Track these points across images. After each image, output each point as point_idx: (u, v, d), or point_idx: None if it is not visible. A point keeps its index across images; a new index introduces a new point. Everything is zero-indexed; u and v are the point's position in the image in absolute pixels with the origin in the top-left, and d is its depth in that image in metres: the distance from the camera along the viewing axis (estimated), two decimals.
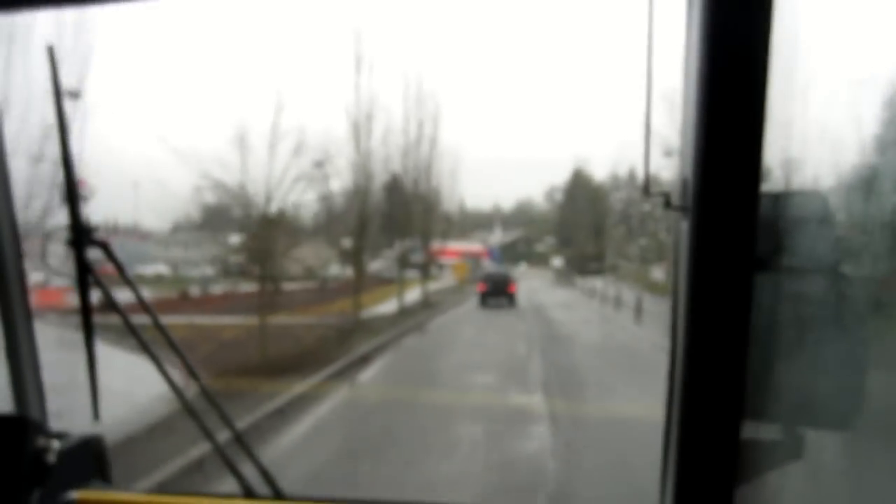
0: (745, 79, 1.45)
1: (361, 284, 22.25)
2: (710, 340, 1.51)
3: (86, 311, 1.92)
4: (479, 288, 33.59)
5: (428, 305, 29.89)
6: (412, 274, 33.06)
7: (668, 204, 1.60)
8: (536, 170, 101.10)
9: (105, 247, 1.91)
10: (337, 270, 47.85)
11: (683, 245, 1.55)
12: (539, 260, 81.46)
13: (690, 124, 1.52)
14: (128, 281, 1.95)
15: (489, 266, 66.47)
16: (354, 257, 23.19)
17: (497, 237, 75.51)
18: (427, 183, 30.96)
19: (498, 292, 32.05)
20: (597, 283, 42.85)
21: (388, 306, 26.61)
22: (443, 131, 45.79)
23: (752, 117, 1.45)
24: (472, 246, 64.27)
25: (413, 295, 30.12)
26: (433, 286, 44.50)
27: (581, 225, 73.37)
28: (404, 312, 25.89)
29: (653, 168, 1.68)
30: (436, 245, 35.68)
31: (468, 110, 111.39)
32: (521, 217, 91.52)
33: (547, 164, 71.42)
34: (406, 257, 29.78)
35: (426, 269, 33.13)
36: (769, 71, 1.43)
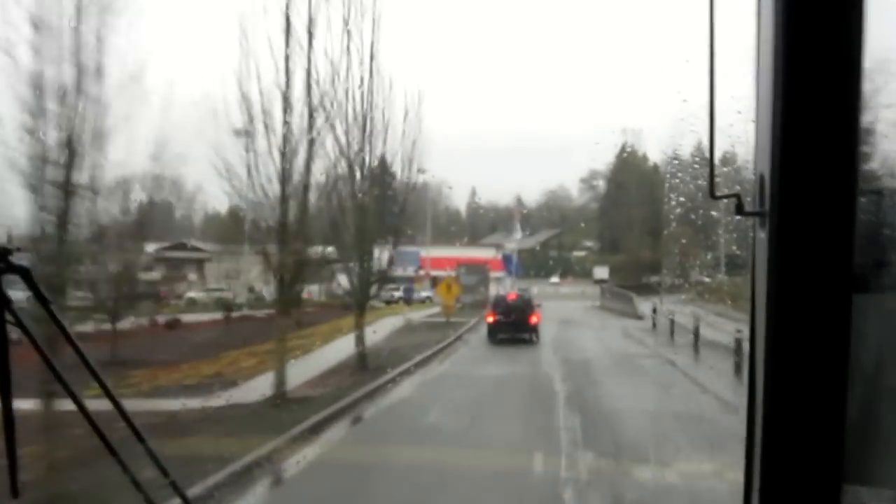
0: (834, 51, 1.35)
1: None
2: (799, 381, 1.41)
3: (1, 357, 1.80)
4: (487, 317, 28.24)
5: (354, 386, 18.34)
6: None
7: (740, 209, 1.50)
8: (570, 150, 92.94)
9: (26, 274, 1.82)
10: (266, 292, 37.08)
11: (761, 259, 1.46)
12: (577, 270, 69.72)
13: (766, 109, 1.44)
14: (53, 317, 1.90)
15: (505, 282, 53.05)
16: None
17: (516, 240, 62.18)
18: (363, 138, 22.23)
19: (513, 324, 26.59)
20: (674, 309, 28.96)
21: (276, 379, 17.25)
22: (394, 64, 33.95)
23: (844, 99, 1.35)
24: (478, 253, 50.69)
25: (368, 337, 22.71)
26: (405, 319, 33.50)
27: (632, 222, 60.53)
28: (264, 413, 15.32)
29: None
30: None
31: (480, 80, 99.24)
32: (551, 213, 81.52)
33: (584, 141, 59.95)
34: (299, 276, 20.13)
35: (363, 299, 23.47)
36: (862, 42, 1.32)
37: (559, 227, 77.10)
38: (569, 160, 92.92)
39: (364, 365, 21.05)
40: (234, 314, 34.48)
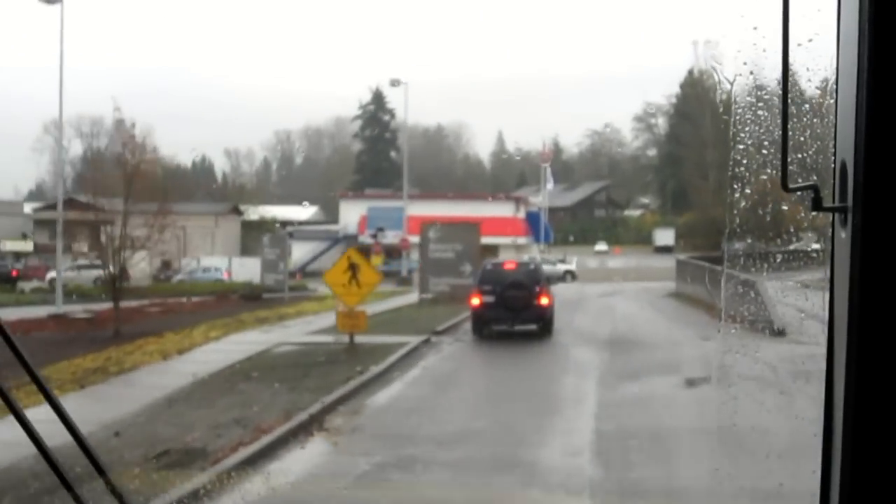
0: None
1: None
2: (888, 406, 1.27)
3: None
4: (472, 302, 20.09)
5: None
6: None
7: (817, 203, 1.38)
8: (619, 80, 79.88)
9: None
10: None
11: (842, 262, 1.34)
12: (631, 234, 57.01)
13: (850, 81, 1.31)
14: None
15: (531, 252, 40.11)
16: None
17: (547, 194, 46.61)
18: None
19: (511, 309, 19.45)
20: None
21: None
22: None
23: None
24: (487, 210, 37.01)
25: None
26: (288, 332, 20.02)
27: (706, 168, 46.81)
28: None
29: None
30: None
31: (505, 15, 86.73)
32: (597, 160, 68.96)
33: (637, 67, 47.64)
34: None
35: None
36: None
37: (607, 178, 64.54)
38: (618, 93, 78.75)
39: None
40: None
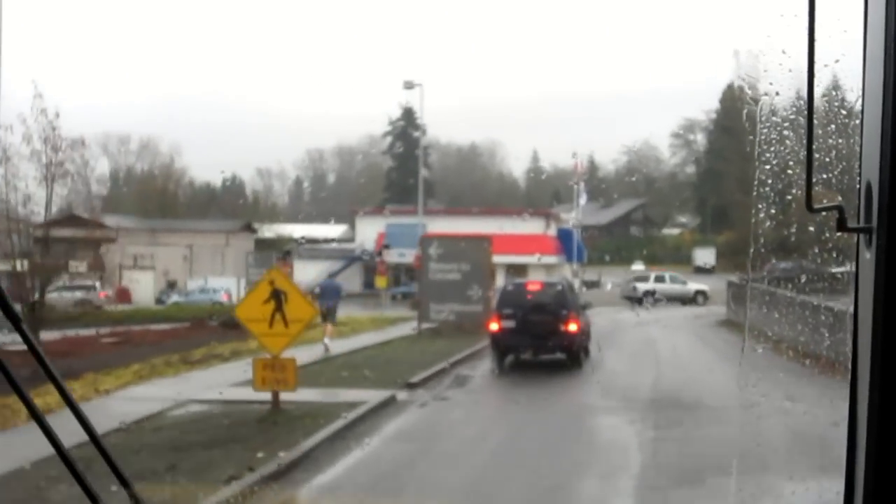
0: None
1: None
2: None
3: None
4: (490, 326, 18.23)
5: None
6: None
7: (842, 224, 1.36)
8: (658, 96, 77.62)
9: None
10: None
11: (866, 283, 1.31)
12: (669, 254, 54.48)
13: (875, 103, 1.30)
14: (23, 335, 1.74)
15: (562, 271, 37.81)
16: None
17: (579, 210, 43.26)
18: None
19: (534, 335, 17.29)
20: None
21: None
22: None
23: None
24: (514, 227, 34.56)
25: None
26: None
27: (748, 184, 44.70)
28: None
29: None
30: None
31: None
32: (633, 178, 64.99)
33: (676, 84, 45.61)
34: None
35: None
36: None
37: (643, 195, 61.69)
38: (654, 109, 76.42)
39: None
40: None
